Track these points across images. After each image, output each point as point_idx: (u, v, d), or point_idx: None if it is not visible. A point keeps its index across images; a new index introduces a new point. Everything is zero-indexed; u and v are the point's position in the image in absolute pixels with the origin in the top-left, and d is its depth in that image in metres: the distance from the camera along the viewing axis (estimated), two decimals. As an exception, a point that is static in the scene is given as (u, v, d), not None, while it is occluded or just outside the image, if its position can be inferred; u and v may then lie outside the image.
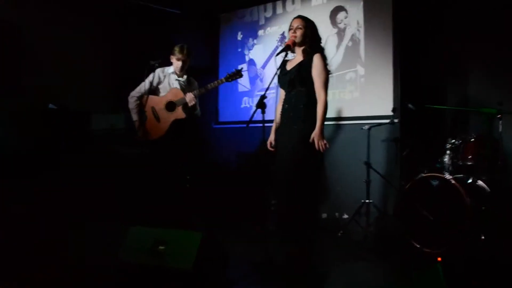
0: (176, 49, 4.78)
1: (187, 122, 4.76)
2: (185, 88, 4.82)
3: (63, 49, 5.88)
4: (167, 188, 4.69)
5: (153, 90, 4.82)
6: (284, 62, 3.96)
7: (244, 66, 6.60)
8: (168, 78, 4.87)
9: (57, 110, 5.43)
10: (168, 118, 4.73)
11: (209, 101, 6.53)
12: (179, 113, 4.70)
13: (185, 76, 4.88)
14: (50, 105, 5.41)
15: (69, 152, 5.18)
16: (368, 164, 4.92)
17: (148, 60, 4.62)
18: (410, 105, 4.66)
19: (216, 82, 4.64)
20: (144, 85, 4.82)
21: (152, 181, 4.75)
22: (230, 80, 4.63)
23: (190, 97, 4.63)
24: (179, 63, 4.78)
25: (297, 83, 3.78)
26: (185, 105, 4.68)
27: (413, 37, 5.10)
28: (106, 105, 6.18)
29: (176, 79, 4.86)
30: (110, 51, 6.35)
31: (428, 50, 5.08)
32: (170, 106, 4.73)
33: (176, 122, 4.72)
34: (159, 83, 4.85)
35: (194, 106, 4.69)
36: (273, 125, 4.01)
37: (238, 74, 4.63)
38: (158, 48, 5.58)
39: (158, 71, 4.81)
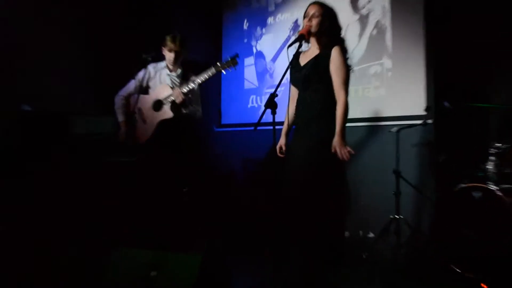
0: (168, 38, 4.77)
1: (181, 124, 4.74)
2: (178, 84, 4.82)
3: (40, 42, 5.87)
4: (160, 202, 4.66)
5: (144, 88, 4.84)
6: (297, 55, 3.96)
7: (251, 59, 6.58)
8: (160, 74, 4.88)
9: (32, 112, 5.40)
10: (155, 118, 4.73)
11: (210, 100, 6.56)
12: (166, 112, 4.68)
13: (179, 71, 4.88)
14: (24, 106, 5.40)
15: (44, 161, 5.15)
16: (397, 173, 4.90)
17: (140, 53, 4.63)
18: (446, 103, 4.63)
19: (205, 73, 4.56)
20: (134, 83, 4.84)
21: (142, 194, 4.72)
22: (221, 69, 4.52)
23: (177, 93, 4.59)
24: (171, 55, 4.77)
25: (313, 80, 3.77)
26: (173, 103, 4.66)
27: (450, 22, 5.06)
28: (91, 107, 6.19)
29: (168, 74, 4.86)
30: (96, 44, 6.36)
31: (468, 37, 5.00)
32: (157, 105, 4.74)
33: (164, 123, 4.70)
34: (149, 79, 4.86)
35: (183, 104, 4.65)
36: (284, 128, 4.03)
37: (233, 61, 4.51)
38: (151, 40, 5.57)
39: (150, 66, 4.84)
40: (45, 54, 5.90)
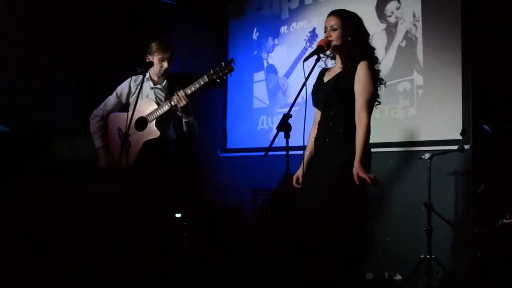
0: (157, 45, 4.71)
1: (178, 144, 4.76)
2: (163, 99, 4.78)
3: (17, 52, 5.93)
4: (149, 242, 4.64)
5: (124, 105, 4.83)
6: (322, 72, 3.98)
7: (261, 74, 6.66)
8: (141, 88, 4.73)
9: (9, 132, 5.42)
10: (139, 139, 4.68)
11: (213, 121, 6.60)
12: (151, 131, 4.66)
13: (164, 83, 4.85)
14: (1, 127, 5.47)
15: (17, 187, 5.10)
16: (429, 206, 4.90)
17: (135, 67, 4.57)
18: (485, 126, 4.67)
19: (196, 83, 4.53)
20: (113, 100, 4.88)
21: (127, 232, 4.66)
22: (213, 76, 4.49)
23: (179, 96, 4.51)
24: (164, 65, 4.72)
25: (334, 100, 3.79)
26: (159, 119, 4.64)
27: (491, 32, 5.05)
28: (76, 126, 6.08)
29: (152, 88, 4.81)
30: (82, 56, 6.34)
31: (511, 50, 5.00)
32: (141, 123, 4.71)
33: (150, 144, 4.68)
34: (129, 95, 4.84)
35: (186, 109, 4.60)
36: (305, 155, 3.96)
37: (227, 67, 4.48)
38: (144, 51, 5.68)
39: (129, 80, 4.83)
40: (24, 68, 5.93)
